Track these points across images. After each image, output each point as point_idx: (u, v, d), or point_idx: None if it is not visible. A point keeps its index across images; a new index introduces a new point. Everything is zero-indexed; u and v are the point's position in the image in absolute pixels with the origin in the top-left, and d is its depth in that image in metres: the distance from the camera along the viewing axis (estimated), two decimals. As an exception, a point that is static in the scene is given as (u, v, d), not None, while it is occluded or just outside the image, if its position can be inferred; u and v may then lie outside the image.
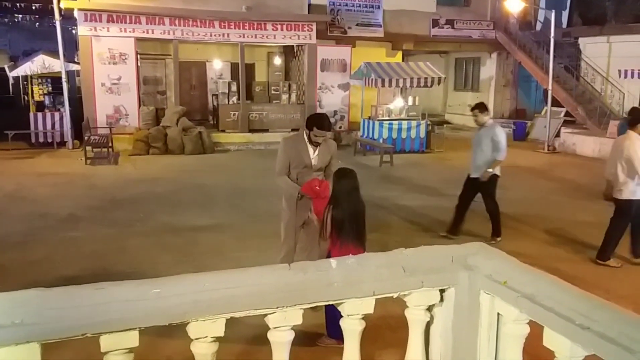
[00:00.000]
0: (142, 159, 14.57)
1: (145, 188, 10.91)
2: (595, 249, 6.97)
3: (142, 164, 13.77)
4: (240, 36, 17.31)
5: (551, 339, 1.83)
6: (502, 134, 7.58)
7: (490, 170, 7.51)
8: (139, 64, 17.16)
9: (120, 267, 6.46)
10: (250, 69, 19.97)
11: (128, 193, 10.51)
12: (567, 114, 19.14)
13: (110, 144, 14.47)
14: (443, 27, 21.50)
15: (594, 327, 1.67)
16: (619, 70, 16.83)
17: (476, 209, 7.98)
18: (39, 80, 17.60)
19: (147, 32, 16.43)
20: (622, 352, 1.57)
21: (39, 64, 17.80)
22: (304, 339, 4.27)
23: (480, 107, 7.73)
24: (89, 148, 14.05)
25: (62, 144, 16.10)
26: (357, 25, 19.93)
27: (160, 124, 16.05)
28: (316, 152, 5.28)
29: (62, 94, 16.24)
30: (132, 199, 10.06)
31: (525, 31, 22.32)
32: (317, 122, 5.20)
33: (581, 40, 20.67)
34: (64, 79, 16.17)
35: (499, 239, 7.57)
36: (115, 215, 8.95)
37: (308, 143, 5.25)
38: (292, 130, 16.98)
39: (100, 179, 11.89)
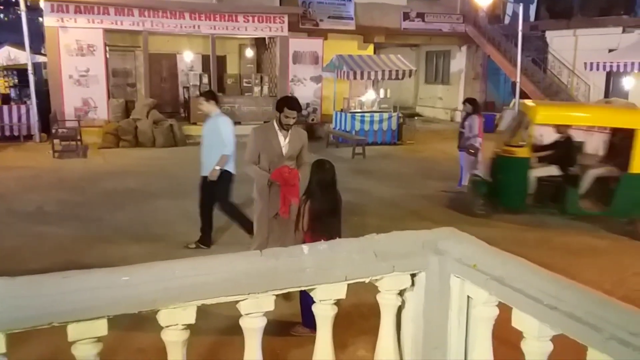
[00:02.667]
0: (111, 152, 14.34)
1: (115, 181, 10.75)
2: (563, 235, 7.09)
3: (111, 157, 13.55)
4: (211, 28, 17.13)
5: (520, 320, 1.86)
6: (226, 126, 6.66)
7: (217, 167, 6.52)
8: (107, 56, 16.85)
9: (90, 261, 6.33)
10: (221, 61, 19.79)
11: (97, 186, 10.34)
12: (536, 106, 19.39)
13: (78, 137, 14.19)
14: (414, 20, 21.62)
15: (562, 307, 1.69)
16: (585, 63, 17.10)
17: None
18: (5, 73, 17.16)
19: (116, 23, 16.15)
20: (590, 330, 1.60)
21: (5, 55, 17.40)
22: (277, 328, 4.28)
23: (206, 95, 6.75)
24: (56, 141, 13.77)
25: (29, 137, 15.74)
26: (328, 17, 19.92)
27: (131, 117, 15.78)
28: (287, 140, 5.28)
29: (28, 86, 15.87)
30: (101, 192, 9.90)
31: (494, 24, 22.55)
32: (287, 102, 5.25)
33: (548, 34, 20.98)
34: (30, 71, 15.80)
35: (251, 235, 6.08)
36: (84, 208, 8.80)
37: (279, 130, 5.26)
38: (265, 122, 16.91)
39: (68, 172, 11.67)
